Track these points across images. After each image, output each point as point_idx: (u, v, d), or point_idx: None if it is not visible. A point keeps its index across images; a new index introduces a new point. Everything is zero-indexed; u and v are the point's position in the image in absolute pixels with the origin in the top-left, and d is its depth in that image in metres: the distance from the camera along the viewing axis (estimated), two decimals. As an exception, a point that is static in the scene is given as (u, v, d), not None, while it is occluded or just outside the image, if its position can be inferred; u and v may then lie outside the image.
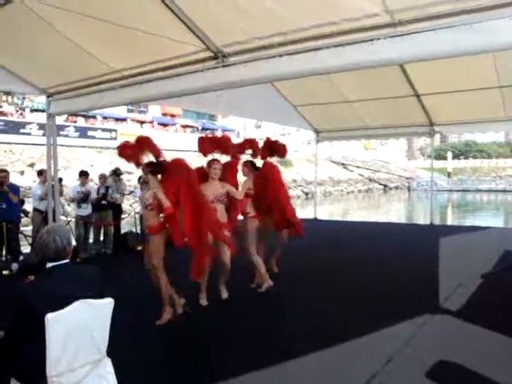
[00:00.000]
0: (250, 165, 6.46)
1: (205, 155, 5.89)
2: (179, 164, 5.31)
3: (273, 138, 7.18)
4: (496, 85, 8.71)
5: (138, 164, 5.52)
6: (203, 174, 5.88)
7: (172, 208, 4.95)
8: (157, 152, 5.38)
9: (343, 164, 57.74)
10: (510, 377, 3.52)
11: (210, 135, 6.12)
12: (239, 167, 6.46)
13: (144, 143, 5.47)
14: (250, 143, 6.64)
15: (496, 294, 5.75)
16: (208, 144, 5.92)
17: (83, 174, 9.12)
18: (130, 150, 5.48)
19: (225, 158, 6.20)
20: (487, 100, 9.52)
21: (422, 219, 22.26)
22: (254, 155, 6.59)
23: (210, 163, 5.84)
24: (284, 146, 7.06)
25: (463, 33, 3.88)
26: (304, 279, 6.70)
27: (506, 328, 4.47)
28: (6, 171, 8.18)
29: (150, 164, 5.32)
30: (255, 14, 4.68)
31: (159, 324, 4.96)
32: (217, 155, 6.03)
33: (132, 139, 5.56)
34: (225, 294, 5.85)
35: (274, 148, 6.91)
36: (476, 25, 3.80)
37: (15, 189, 8.11)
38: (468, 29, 3.85)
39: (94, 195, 9.03)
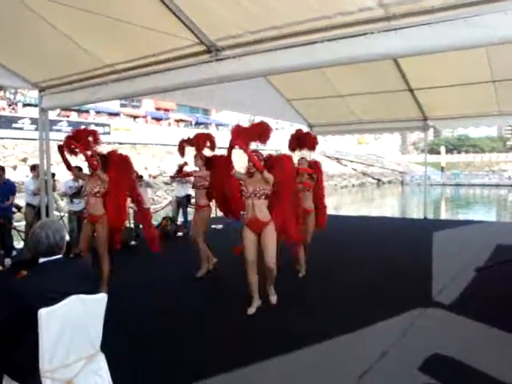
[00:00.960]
0: (204, 157, 6.76)
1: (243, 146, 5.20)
2: (123, 159, 6.10)
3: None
4: (489, 79, 8.73)
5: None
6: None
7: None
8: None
9: (337, 158, 57.76)
10: (503, 369, 3.55)
11: (244, 126, 5.43)
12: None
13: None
14: (206, 137, 6.92)
15: (489, 288, 5.78)
16: (243, 136, 5.20)
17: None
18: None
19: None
20: (480, 94, 9.53)
21: (415, 213, 22.36)
22: (211, 148, 6.92)
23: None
24: (314, 138, 7.04)
25: (457, 27, 3.88)
26: (293, 273, 6.70)
27: (499, 321, 4.50)
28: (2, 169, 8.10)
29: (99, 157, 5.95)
30: (249, 8, 4.65)
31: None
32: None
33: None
34: (273, 298, 5.43)
35: (302, 140, 6.91)
36: (470, 19, 3.80)
37: (12, 186, 8.08)
38: (462, 23, 3.85)
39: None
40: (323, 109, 11.63)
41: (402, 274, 6.56)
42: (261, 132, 5.18)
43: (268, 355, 3.92)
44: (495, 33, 3.76)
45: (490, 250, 7.90)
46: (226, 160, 5.42)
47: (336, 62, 4.93)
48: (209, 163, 6.75)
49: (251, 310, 5.13)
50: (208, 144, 6.89)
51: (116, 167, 5.91)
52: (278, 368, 3.76)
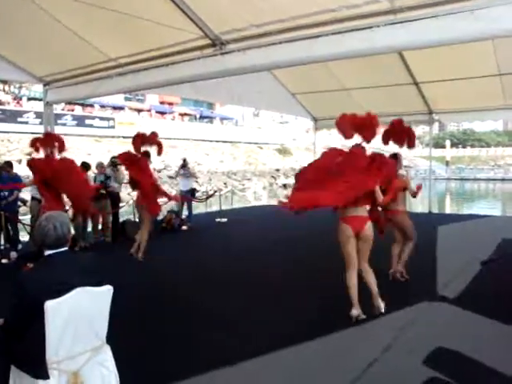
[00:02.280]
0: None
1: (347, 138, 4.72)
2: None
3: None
4: (496, 73, 8.67)
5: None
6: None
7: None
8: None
9: (342, 152, 57.46)
10: (508, 364, 3.54)
11: (349, 115, 4.66)
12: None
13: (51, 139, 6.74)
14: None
15: (495, 281, 5.77)
16: (347, 126, 4.64)
17: (83, 166, 9.11)
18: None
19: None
20: (486, 88, 9.48)
21: (420, 207, 22.27)
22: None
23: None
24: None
25: (464, 20, 3.86)
26: (301, 266, 6.70)
27: (504, 315, 4.49)
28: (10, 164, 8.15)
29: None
30: (254, 2, 4.64)
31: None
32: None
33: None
34: (381, 306, 4.76)
35: (409, 136, 6.37)
36: (477, 11, 3.78)
37: (20, 181, 8.11)
38: (468, 15, 3.83)
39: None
40: (328, 102, 11.59)
41: (406, 268, 6.53)
42: (365, 126, 4.63)
43: (270, 349, 3.93)
44: (501, 25, 3.73)
45: (495, 243, 7.88)
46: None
47: (341, 56, 4.91)
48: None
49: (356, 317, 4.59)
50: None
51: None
52: (280, 362, 3.76)
